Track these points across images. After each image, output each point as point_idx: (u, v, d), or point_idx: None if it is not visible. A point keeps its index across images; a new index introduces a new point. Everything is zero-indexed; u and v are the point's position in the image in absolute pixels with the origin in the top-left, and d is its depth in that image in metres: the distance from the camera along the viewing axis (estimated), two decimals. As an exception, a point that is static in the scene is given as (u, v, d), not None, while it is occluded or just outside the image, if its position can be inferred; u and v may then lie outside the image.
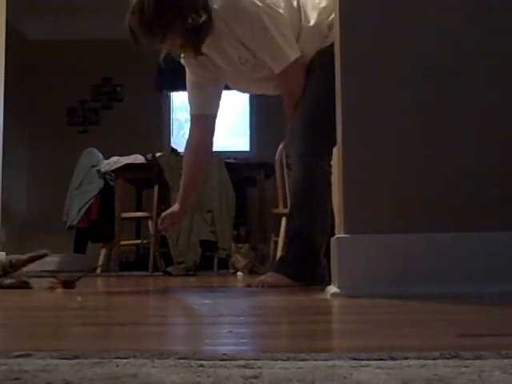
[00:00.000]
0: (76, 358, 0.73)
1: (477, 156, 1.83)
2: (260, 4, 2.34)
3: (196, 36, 2.36)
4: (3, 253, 3.59)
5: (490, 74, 1.85)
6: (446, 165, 1.83)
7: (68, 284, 2.38)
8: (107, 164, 5.08)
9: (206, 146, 2.79)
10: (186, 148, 2.78)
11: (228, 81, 2.68)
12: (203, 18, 2.32)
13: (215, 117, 2.74)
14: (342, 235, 1.82)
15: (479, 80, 1.86)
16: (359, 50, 1.88)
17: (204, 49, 2.44)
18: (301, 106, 2.47)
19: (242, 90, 2.96)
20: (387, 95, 1.86)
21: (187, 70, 2.67)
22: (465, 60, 1.86)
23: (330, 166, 2.44)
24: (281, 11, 2.40)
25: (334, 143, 2.24)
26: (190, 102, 2.72)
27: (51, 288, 2.37)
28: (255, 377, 0.62)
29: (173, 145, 6.55)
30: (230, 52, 2.46)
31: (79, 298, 1.95)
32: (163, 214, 2.81)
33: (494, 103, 1.85)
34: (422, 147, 1.85)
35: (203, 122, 2.70)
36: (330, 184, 2.44)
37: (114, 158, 5.07)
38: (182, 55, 2.57)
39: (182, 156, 4.87)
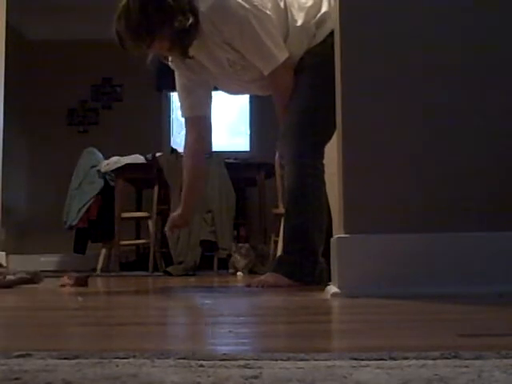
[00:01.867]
0: (76, 357, 0.73)
1: (477, 156, 1.83)
2: (248, 6, 2.34)
3: (183, 39, 2.35)
4: (3, 253, 3.60)
5: (492, 73, 1.85)
6: (446, 165, 1.83)
7: (80, 281, 2.42)
8: (107, 164, 5.08)
9: (202, 147, 2.80)
10: (184, 151, 2.79)
11: (216, 83, 2.68)
12: (190, 20, 2.32)
13: (209, 117, 2.74)
14: (342, 235, 1.82)
15: (480, 79, 1.85)
16: (359, 49, 1.88)
17: (192, 52, 2.43)
18: (291, 107, 2.47)
19: (231, 92, 2.86)
20: (387, 94, 1.86)
21: (176, 72, 2.67)
22: (467, 58, 1.86)
23: (323, 165, 2.45)
24: (268, 12, 2.39)
25: (326, 141, 2.23)
26: (180, 105, 2.72)
27: (63, 286, 2.40)
28: (255, 377, 0.62)
29: (173, 145, 6.55)
30: (218, 54, 2.45)
31: (79, 298, 1.95)
32: (172, 215, 2.82)
33: (495, 103, 1.85)
34: (422, 147, 1.84)
35: (197, 123, 2.71)
36: (323, 182, 2.44)
37: (114, 158, 5.07)
38: (170, 59, 2.57)
39: (181, 156, 4.89)
